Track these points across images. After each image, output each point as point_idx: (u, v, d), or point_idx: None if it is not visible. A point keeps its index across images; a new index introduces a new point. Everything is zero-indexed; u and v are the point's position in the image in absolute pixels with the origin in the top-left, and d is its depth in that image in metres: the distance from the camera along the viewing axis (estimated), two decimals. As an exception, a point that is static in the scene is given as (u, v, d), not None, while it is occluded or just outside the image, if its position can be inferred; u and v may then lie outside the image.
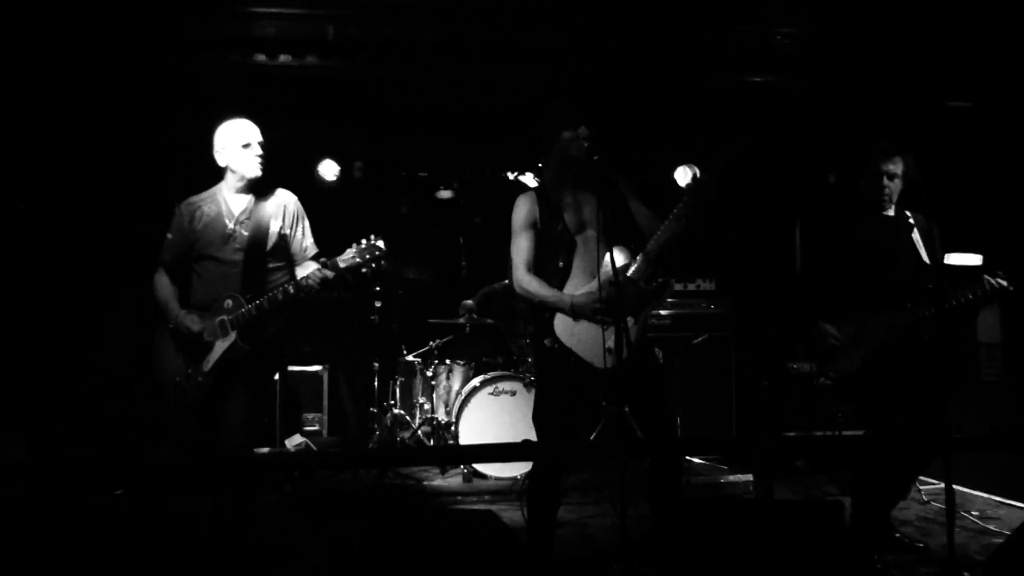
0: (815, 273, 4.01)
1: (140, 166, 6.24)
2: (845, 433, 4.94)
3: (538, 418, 3.49)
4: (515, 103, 6.33)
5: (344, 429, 6.86)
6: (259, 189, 3.70)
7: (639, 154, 6.51)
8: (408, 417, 6.23)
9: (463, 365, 6.08)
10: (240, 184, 3.66)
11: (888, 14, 5.08)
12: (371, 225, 6.39)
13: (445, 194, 7.27)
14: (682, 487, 3.51)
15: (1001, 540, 3.99)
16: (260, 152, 3.63)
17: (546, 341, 3.39)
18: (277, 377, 6.15)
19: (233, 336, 3.53)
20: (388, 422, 6.15)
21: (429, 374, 6.12)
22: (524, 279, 3.44)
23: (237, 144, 3.61)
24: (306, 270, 3.64)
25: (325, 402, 6.79)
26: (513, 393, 5.64)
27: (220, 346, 3.54)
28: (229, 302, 3.55)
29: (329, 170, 6.56)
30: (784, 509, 2.50)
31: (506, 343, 6.33)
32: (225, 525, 3.51)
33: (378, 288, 6.10)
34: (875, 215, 3.92)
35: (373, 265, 3.55)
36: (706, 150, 3.40)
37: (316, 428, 6.62)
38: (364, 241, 3.56)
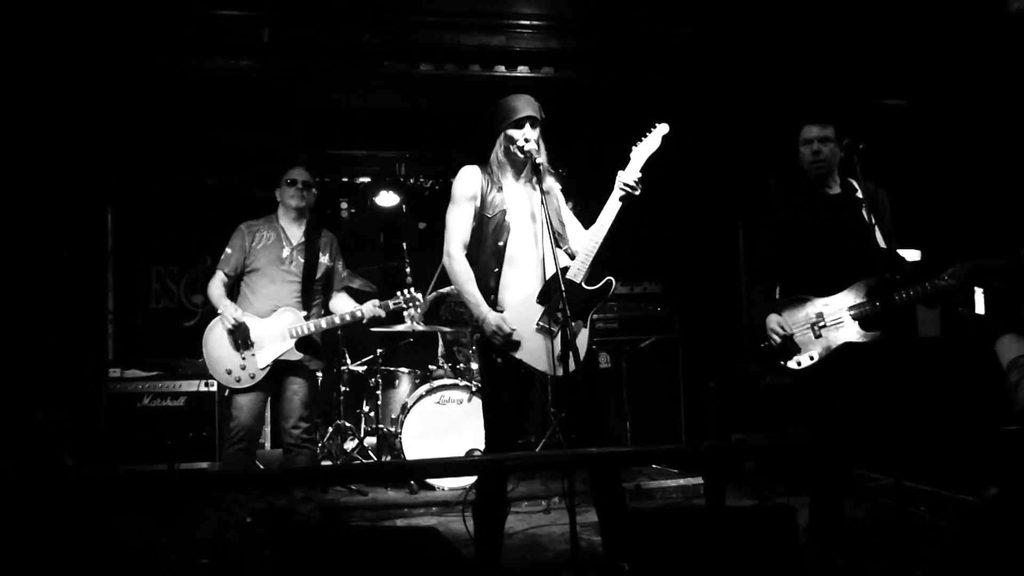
0: (766, 263, 3.87)
1: (59, 173, 6.01)
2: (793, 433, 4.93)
3: (486, 428, 3.42)
4: (459, 110, 6.23)
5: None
6: (309, 224, 4.46)
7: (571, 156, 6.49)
8: (353, 428, 6.07)
9: (408, 373, 5.96)
10: (291, 215, 4.41)
11: (820, 12, 5.12)
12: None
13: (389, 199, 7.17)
14: (624, 493, 3.47)
15: (948, 535, 4.00)
16: (301, 189, 4.39)
17: (493, 354, 3.33)
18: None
19: (291, 344, 4.18)
20: (332, 433, 5.99)
21: (373, 383, 5.97)
22: (456, 258, 3.40)
23: (285, 181, 4.41)
24: (340, 296, 4.55)
25: (267, 414, 6.58)
26: (460, 402, 5.54)
27: (276, 348, 4.15)
28: (289, 315, 4.21)
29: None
30: (736, 517, 2.45)
31: (452, 352, 6.21)
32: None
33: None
34: (819, 195, 3.75)
35: (410, 312, 4.44)
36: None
37: (260, 441, 6.39)
38: (408, 291, 4.35)
